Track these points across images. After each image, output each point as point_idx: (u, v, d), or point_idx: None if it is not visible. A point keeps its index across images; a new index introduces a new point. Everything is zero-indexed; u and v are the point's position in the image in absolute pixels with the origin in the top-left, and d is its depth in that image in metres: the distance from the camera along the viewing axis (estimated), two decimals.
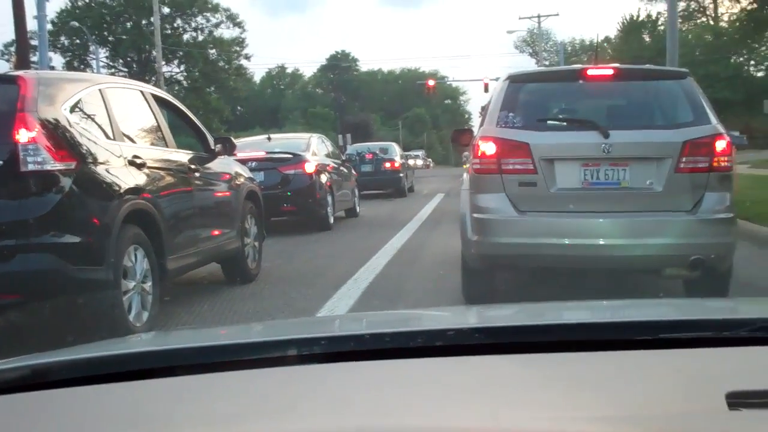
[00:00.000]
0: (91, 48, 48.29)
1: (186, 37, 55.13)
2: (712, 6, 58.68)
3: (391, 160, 23.07)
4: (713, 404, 1.00)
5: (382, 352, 1.29)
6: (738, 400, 1.01)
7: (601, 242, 5.49)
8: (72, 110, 5.23)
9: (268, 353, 1.32)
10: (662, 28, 50.21)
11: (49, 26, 30.36)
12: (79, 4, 51.56)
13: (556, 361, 1.24)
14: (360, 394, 1.14)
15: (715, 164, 5.48)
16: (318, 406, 1.09)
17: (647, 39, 58.99)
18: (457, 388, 1.14)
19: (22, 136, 4.69)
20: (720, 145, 5.50)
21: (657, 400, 1.05)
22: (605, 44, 61.13)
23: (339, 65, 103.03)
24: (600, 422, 0.94)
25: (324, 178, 13.20)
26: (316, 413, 1.07)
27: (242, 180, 8.02)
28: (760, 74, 58.30)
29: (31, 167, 4.69)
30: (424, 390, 1.15)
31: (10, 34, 41.17)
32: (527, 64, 72.49)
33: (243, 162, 9.33)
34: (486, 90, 42.56)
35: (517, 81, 6.03)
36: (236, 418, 1.06)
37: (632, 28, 59.99)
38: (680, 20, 35.94)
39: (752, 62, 60.57)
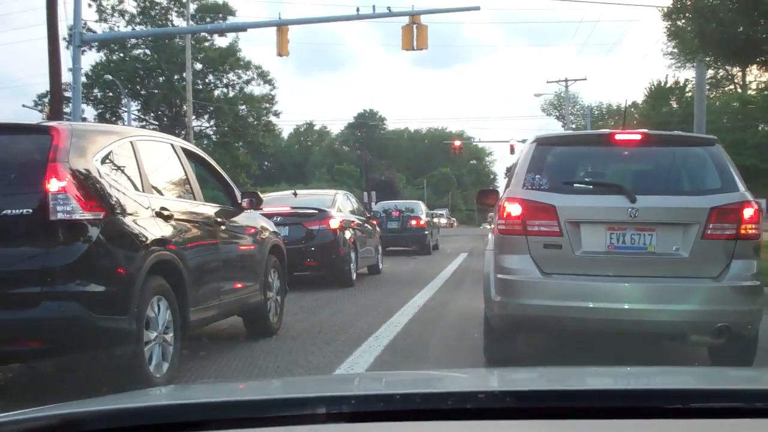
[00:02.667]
0: (124, 101, 49.04)
1: (217, 92, 55.84)
2: (740, 74, 58.71)
3: (417, 218, 23.28)
4: None
5: (409, 413, 1.26)
6: None
7: (626, 307, 5.43)
8: (103, 161, 5.30)
9: (297, 411, 1.30)
10: (690, 94, 50.26)
11: (83, 79, 30.93)
12: (114, 58, 52.39)
13: (586, 428, 1.21)
14: None
15: (742, 231, 5.44)
16: None
17: (675, 105, 58.98)
18: None
19: (53, 185, 4.74)
20: (747, 212, 5.46)
21: None
22: (632, 109, 61.20)
23: (366, 123, 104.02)
24: None
25: (348, 234, 13.23)
26: None
27: (267, 234, 8.05)
28: None
29: (60, 216, 4.73)
30: None
31: (45, 86, 42.08)
32: (554, 126, 72.68)
33: (269, 216, 9.38)
34: (512, 151, 42.76)
35: (544, 143, 6.04)
36: None
37: (660, 93, 59.96)
38: (708, 87, 36.02)
39: None
